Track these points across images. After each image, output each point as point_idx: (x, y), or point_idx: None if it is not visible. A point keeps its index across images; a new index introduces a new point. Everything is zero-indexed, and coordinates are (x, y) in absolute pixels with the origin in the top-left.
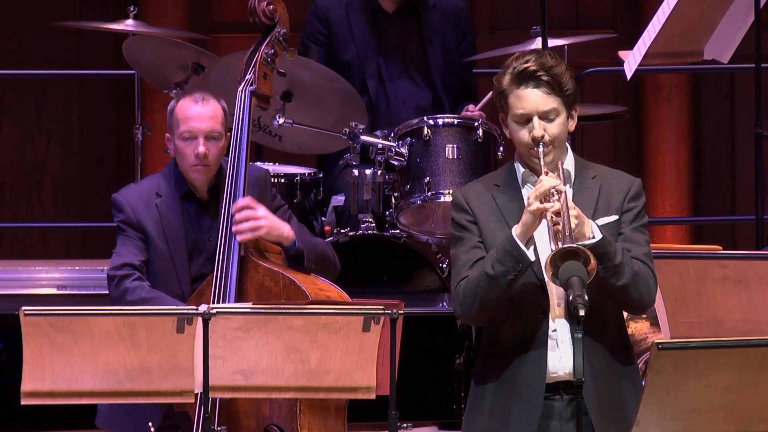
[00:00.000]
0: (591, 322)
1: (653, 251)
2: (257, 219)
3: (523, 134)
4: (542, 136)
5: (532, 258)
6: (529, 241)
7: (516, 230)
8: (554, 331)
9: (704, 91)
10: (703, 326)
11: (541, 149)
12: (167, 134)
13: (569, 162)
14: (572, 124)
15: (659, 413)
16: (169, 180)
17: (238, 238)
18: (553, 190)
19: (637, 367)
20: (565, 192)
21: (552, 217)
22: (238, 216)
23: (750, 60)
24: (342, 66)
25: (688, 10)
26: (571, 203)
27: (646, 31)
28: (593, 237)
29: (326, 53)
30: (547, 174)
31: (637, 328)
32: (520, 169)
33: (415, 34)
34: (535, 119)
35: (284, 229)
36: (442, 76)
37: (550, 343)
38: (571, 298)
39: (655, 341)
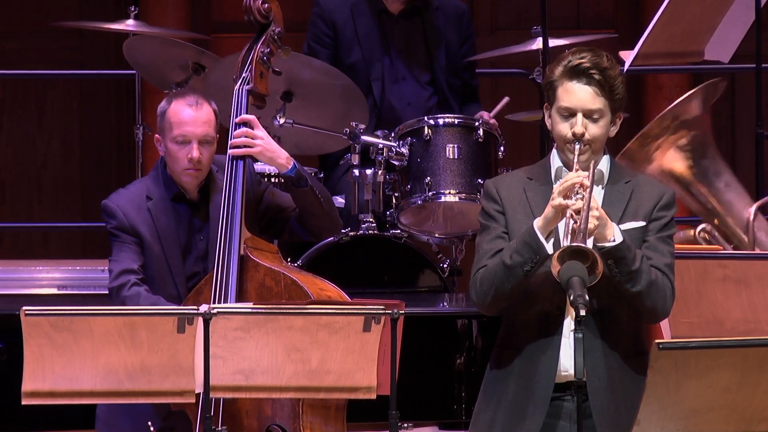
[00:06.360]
0: (605, 325)
1: None
2: (254, 137)
3: (564, 127)
4: (582, 134)
5: (550, 251)
6: (550, 234)
7: (537, 222)
8: (569, 328)
9: None
10: (704, 326)
11: (577, 146)
12: (157, 135)
13: (604, 165)
14: (614, 130)
15: (659, 413)
16: (158, 182)
17: (231, 152)
18: (578, 187)
19: None
20: (590, 190)
21: (572, 215)
22: (235, 133)
23: (750, 60)
24: (347, 69)
25: (689, 10)
26: (594, 203)
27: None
28: (614, 240)
29: (332, 55)
30: (577, 171)
31: None
32: (556, 163)
33: (420, 36)
34: (579, 115)
35: (280, 154)
36: (447, 77)
37: (563, 340)
38: (571, 298)
39: (656, 341)
